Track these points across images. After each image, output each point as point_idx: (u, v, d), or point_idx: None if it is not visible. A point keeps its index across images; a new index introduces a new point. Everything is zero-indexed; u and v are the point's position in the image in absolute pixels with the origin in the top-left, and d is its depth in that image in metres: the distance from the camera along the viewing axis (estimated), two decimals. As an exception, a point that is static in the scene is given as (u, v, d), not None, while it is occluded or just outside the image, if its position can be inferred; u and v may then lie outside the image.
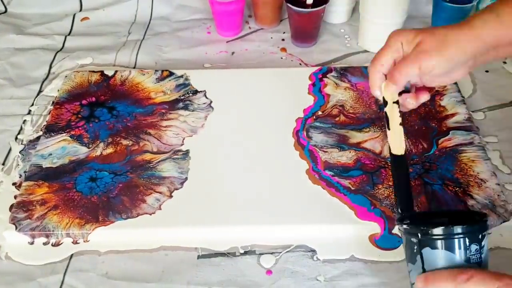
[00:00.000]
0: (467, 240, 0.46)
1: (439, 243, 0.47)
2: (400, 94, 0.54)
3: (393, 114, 0.53)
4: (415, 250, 0.48)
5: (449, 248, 0.46)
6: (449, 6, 0.82)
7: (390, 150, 0.54)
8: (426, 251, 0.47)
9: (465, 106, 0.72)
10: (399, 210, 0.52)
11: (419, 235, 0.47)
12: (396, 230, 0.58)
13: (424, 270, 0.48)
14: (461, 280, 0.44)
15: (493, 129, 0.71)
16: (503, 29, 0.51)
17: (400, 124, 0.53)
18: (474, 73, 0.80)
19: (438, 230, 0.47)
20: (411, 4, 0.83)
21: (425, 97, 0.55)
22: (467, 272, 0.44)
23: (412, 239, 0.48)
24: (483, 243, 0.47)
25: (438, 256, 0.47)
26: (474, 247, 0.47)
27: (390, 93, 0.53)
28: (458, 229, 0.46)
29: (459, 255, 0.46)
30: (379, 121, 0.70)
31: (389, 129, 0.53)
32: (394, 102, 0.53)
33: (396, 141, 0.53)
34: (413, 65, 0.51)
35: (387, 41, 0.54)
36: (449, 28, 0.52)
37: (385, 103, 0.54)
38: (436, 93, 0.74)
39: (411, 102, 0.55)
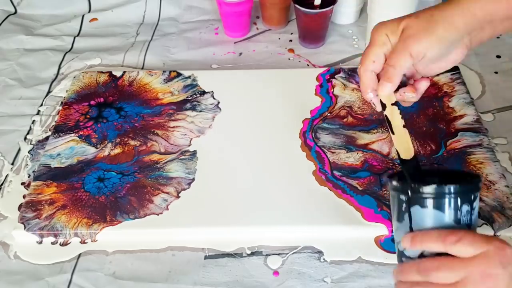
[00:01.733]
0: (458, 200, 0.45)
1: (429, 201, 0.45)
2: (396, 90, 0.49)
3: (394, 117, 0.49)
4: (403, 208, 0.46)
5: (439, 207, 0.45)
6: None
7: (398, 155, 0.49)
8: (415, 209, 0.46)
9: (474, 108, 0.71)
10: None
11: (409, 192, 0.46)
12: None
13: (411, 230, 0.46)
14: (451, 241, 0.42)
15: (502, 130, 0.71)
16: (493, 2, 0.46)
17: (404, 126, 0.49)
18: (483, 75, 0.79)
19: (429, 188, 0.45)
20: (420, 5, 0.83)
21: (424, 84, 0.50)
22: (456, 233, 0.43)
23: (401, 196, 0.47)
24: (474, 204, 0.46)
25: (427, 215, 0.45)
26: (465, 208, 0.45)
27: (386, 94, 0.49)
28: (450, 188, 0.45)
29: (449, 216, 0.45)
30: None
31: (393, 133, 0.49)
32: (392, 104, 0.49)
33: (403, 145, 0.49)
34: (404, 54, 0.47)
35: (371, 37, 0.49)
36: (433, 8, 0.48)
37: (384, 106, 0.49)
38: (444, 95, 0.73)
39: (410, 95, 0.50)
